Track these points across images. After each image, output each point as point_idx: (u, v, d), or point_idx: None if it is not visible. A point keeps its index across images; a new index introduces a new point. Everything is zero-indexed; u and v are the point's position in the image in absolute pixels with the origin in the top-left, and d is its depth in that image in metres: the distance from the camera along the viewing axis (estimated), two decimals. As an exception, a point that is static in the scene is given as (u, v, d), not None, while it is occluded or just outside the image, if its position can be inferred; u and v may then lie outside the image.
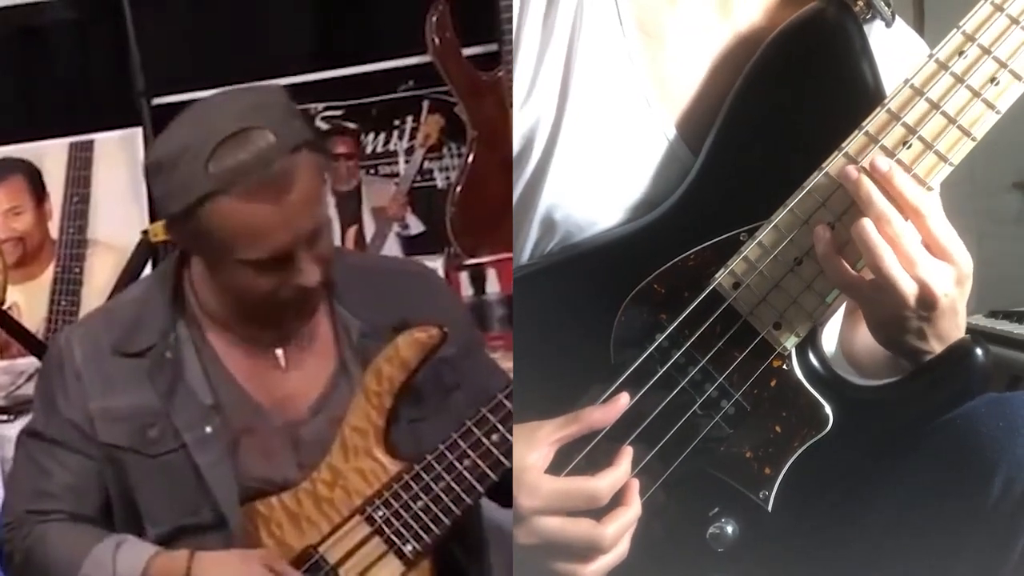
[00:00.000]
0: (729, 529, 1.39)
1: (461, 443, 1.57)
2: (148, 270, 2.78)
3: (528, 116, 1.44)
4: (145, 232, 2.82)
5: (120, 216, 3.03)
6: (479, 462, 1.57)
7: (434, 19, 2.69)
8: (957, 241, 1.31)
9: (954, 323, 1.33)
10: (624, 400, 1.37)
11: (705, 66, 1.46)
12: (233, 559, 1.59)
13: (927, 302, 1.29)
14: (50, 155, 3.09)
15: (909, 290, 1.29)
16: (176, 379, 1.64)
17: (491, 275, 2.68)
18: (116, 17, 3.03)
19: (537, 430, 1.36)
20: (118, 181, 3.06)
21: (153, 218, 2.98)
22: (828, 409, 1.38)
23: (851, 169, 1.32)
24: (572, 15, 1.47)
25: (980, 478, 1.30)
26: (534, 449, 1.35)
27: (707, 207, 1.41)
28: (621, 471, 1.36)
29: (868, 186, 1.30)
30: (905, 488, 1.36)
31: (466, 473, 1.57)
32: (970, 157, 1.32)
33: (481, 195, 2.70)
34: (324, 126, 2.97)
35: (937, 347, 1.34)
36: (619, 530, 1.34)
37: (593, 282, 1.44)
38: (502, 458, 1.56)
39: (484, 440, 1.57)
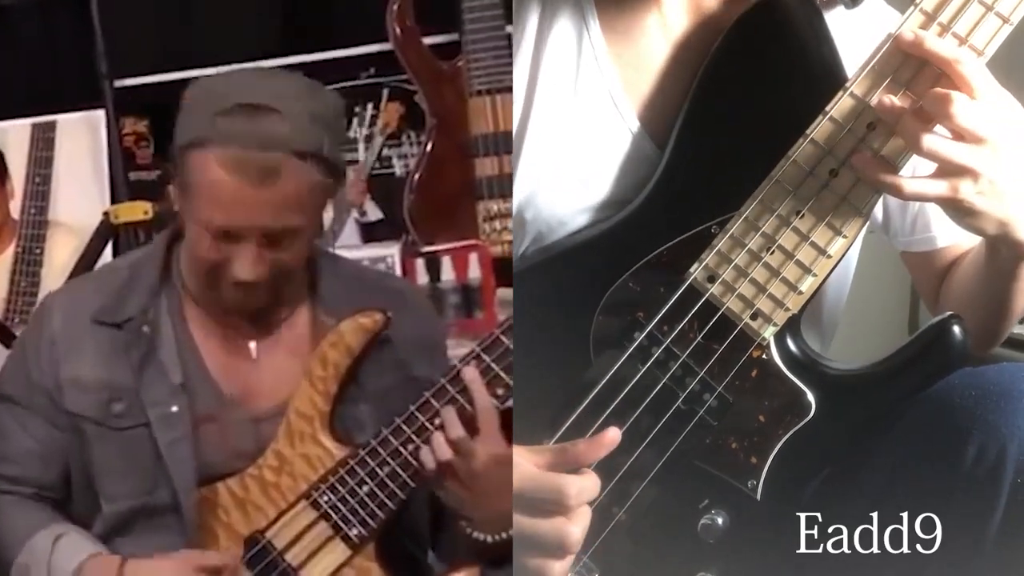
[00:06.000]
0: (720, 520, 1.39)
1: (405, 428, 1.58)
2: (108, 252, 2.79)
3: None
4: (106, 214, 2.82)
5: (81, 197, 3.02)
6: (424, 447, 1.57)
7: (395, 7, 2.68)
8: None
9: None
10: (612, 434, 1.35)
11: (668, 60, 1.47)
12: (165, 565, 1.57)
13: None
14: (12, 136, 3.07)
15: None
16: (150, 354, 1.63)
17: (446, 263, 2.70)
18: (80, -1, 3.03)
19: (530, 455, 1.34)
20: (80, 163, 3.04)
21: (114, 200, 2.98)
22: (810, 396, 1.39)
23: (904, 33, 1.30)
24: (538, 16, 1.48)
25: (955, 446, 1.32)
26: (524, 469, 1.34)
27: (677, 201, 1.42)
28: (591, 479, 1.35)
29: (925, 35, 1.29)
30: (887, 463, 1.38)
31: (411, 458, 1.58)
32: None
33: (439, 183, 2.70)
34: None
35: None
36: (583, 532, 1.33)
37: (570, 282, 1.44)
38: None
39: (428, 425, 1.57)
